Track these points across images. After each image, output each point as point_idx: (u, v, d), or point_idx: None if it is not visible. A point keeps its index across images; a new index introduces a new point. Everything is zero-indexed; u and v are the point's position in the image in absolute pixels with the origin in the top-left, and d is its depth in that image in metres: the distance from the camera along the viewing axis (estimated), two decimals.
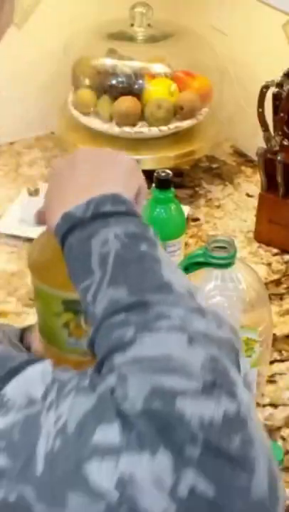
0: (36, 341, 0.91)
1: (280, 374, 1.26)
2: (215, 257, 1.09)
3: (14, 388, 0.57)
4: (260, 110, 1.49)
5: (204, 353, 0.57)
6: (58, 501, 0.52)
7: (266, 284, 1.46)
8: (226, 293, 1.12)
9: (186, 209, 1.62)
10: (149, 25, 1.72)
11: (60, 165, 0.79)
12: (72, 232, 0.69)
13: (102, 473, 0.52)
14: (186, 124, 1.68)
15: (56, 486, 0.53)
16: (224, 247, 1.09)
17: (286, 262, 1.52)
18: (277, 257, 1.53)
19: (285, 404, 1.21)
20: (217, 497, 0.51)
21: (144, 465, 0.51)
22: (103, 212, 0.69)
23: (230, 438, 0.53)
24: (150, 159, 1.65)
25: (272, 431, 1.16)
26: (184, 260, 1.11)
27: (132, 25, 1.72)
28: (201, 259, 1.09)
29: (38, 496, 0.53)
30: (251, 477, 0.52)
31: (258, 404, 1.20)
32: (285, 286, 1.46)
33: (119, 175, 0.76)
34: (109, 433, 0.53)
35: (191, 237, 1.57)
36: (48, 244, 0.81)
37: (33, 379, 0.58)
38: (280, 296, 1.43)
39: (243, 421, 0.54)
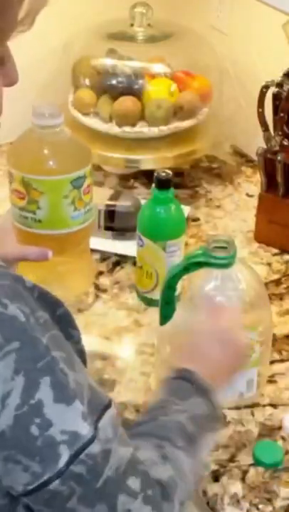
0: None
1: (280, 374, 1.26)
2: (215, 257, 1.09)
3: (103, 425, 0.76)
4: (260, 110, 1.49)
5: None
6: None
7: (266, 284, 1.46)
8: (225, 293, 1.12)
9: (186, 209, 1.62)
10: (149, 25, 1.72)
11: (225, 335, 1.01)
12: (184, 379, 0.94)
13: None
14: (186, 124, 1.68)
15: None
16: (224, 247, 1.09)
17: (286, 262, 1.52)
18: (277, 257, 1.54)
19: (285, 404, 1.21)
20: None
21: None
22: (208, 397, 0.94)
23: None
24: (150, 159, 1.65)
25: (272, 431, 1.16)
26: (183, 260, 1.11)
27: (132, 25, 1.72)
28: (201, 259, 1.09)
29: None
30: None
31: (258, 404, 1.21)
32: (285, 286, 1.46)
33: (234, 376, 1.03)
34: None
35: (191, 237, 1.57)
36: (36, 144, 1.06)
37: (110, 421, 0.77)
38: (280, 296, 1.43)
39: None
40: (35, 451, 0.72)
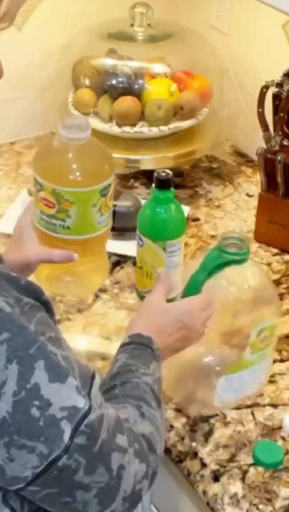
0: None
1: (280, 374, 1.26)
2: (231, 253, 1.10)
3: (94, 393, 0.81)
4: (260, 110, 1.49)
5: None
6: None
7: None
8: (231, 289, 1.14)
9: (186, 209, 1.62)
10: (149, 25, 1.72)
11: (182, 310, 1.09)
12: (141, 345, 1.01)
13: None
14: (186, 124, 1.68)
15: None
16: (236, 244, 1.11)
17: (286, 262, 1.52)
18: (277, 257, 1.54)
19: (285, 404, 1.21)
20: None
21: None
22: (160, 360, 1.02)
23: None
24: (150, 159, 1.65)
25: (272, 431, 1.16)
26: (204, 265, 1.11)
27: (132, 25, 1.72)
28: (222, 261, 1.10)
29: None
30: None
31: (258, 404, 1.21)
32: (285, 286, 1.46)
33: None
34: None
35: (191, 237, 1.57)
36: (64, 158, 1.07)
37: (97, 389, 0.82)
38: (280, 296, 1.43)
39: None
40: (39, 432, 0.75)
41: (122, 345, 1.01)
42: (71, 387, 0.78)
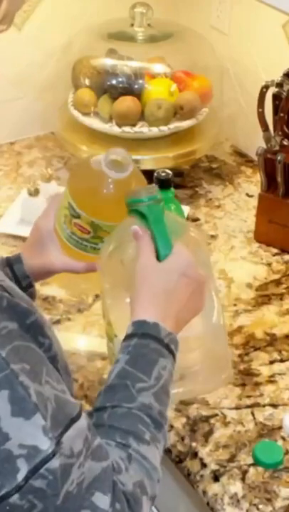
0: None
1: (280, 374, 1.26)
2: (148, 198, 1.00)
3: (68, 438, 0.74)
4: (260, 110, 1.49)
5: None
6: None
7: (266, 284, 1.46)
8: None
9: (186, 209, 1.62)
10: (149, 25, 1.72)
11: (180, 262, 0.95)
12: (145, 338, 0.90)
13: None
14: (186, 124, 1.68)
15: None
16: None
17: (286, 262, 1.52)
18: (277, 257, 1.53)
19: (285, 404, 1.21)
20: None
21: None
22: (170, 349, 0.91)
23: None
24: (150, 159, 1.65)
25: (272, 431, 1.16)
26: (152, 223, 0.98)
27: (132, 25, 1.72)
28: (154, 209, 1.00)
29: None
30: None
31: (258, 404, 1.21)
32: (285, 286, 1.46)
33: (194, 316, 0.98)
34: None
35: None
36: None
37: (78, 434, 0.75)
38: (280, 296, 1.43)
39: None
40: None
41: (126, 338, 0.92)
42: (36, 425, 0.72)
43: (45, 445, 0.72)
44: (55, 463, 0.72)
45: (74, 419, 0.76)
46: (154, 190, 1.00)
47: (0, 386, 0.71)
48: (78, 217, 1.07)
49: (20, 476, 0.71)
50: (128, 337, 0.91)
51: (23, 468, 0.71)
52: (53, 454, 0.72)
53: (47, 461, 0.72)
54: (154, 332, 0.90)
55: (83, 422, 0.77)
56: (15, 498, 0.72)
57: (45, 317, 0.87)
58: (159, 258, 0.96)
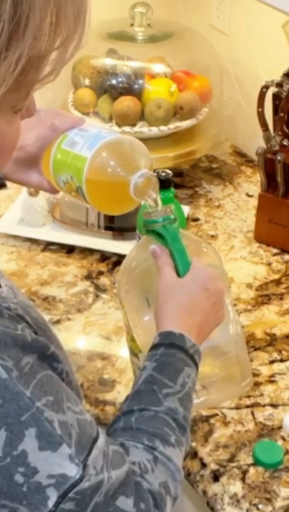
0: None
1: (280, 374, 1.26)
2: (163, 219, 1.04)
3: (92, 460, 0.76)
4: (260, 110, 1.49)
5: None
6: None
7: (266, 284, 1.46)
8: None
9: (186, 209, 1.62)
10: (149, 25, 1.72)
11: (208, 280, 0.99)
12: (172, 347, 0.94)
13: None
14: (186, 124, 1.68)
15: None
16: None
17: (286, 262, 1.52)
18: (277, 257, 1.54)
19: (285, 404, 1.21)
20: None
21: None
22: (194, 359, 0.95)
23: None
24: None
25: (272, 431, 1.16)
26: (170, 239, 1.03)
27: (132, 25, 1.72)
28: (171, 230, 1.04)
29: None
30: None
31: (258, 404, 1.21)
32: (285, 286, 1.46)
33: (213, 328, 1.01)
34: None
35: None
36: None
37: (99, 452, 0.78)
38: (280, 296, 1.43)
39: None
40: (21, 496, 0.73)
41: (153, 347, 0.95)
42: (62, 455, 0.74)
43: (73, 471, 0.75)
44: (83, 485, 0.75)
45: (95, 439, 0.79)
46: (169, 210, 1.04)
47: (27, 424, 0.73)
48: (79, 193, 1.03)
49: (51, 503, 0.73)
50: (155, 346, 0.95)
51: (52, 496, 0.73)
52: (81, 479, 0.75)
53: (75, 486, 0.75)
54: (180, 342, 0.94)
55: (102, 438, 0.80)
56: None
57: (54, 333, 0.89)
58: (179, 274, 1.00)
